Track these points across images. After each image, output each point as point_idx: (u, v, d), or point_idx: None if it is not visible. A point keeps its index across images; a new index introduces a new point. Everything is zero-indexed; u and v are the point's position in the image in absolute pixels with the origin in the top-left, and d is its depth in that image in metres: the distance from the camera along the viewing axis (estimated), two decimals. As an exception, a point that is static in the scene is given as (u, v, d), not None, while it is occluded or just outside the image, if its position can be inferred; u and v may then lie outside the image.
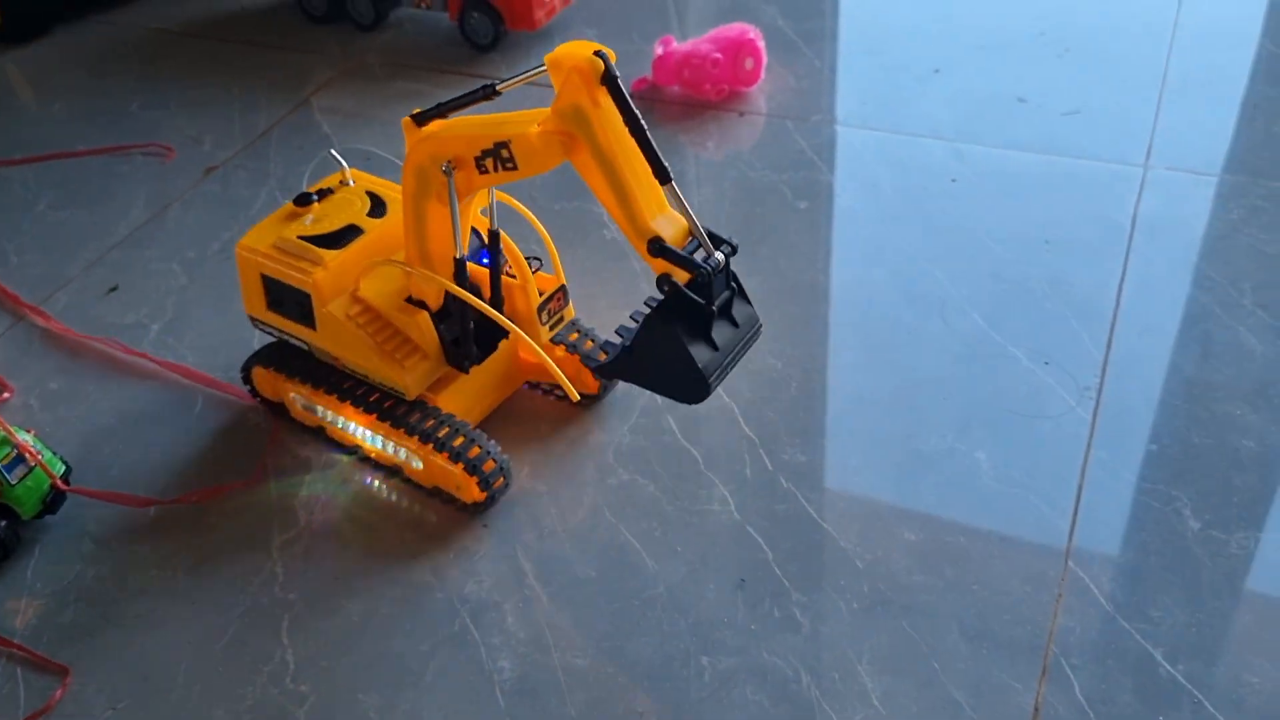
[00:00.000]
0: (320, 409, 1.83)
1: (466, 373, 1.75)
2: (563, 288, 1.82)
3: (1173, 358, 1.91)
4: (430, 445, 1.69)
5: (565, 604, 1.60)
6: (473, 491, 1.69)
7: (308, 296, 1.70)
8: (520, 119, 1.46)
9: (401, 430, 1.71)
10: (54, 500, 1.74)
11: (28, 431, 1.75)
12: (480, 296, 1.64)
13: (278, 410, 1.91)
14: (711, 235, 1.44)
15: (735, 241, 1.46)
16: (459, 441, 1.69)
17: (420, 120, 1.57)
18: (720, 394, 1.90)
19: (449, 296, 1.67)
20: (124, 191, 2.54)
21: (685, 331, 1.43)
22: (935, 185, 2.36)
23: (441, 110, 1.56)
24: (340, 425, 1.82)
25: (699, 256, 1.41)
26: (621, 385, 1.93)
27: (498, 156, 1.48)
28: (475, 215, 1.70)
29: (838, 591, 1.59)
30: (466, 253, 1.64)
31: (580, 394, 1.73)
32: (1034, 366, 1.91)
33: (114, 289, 2.25)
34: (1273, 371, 1.86)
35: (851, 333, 2.02)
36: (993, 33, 2.88)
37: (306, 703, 1.50)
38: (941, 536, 1.65)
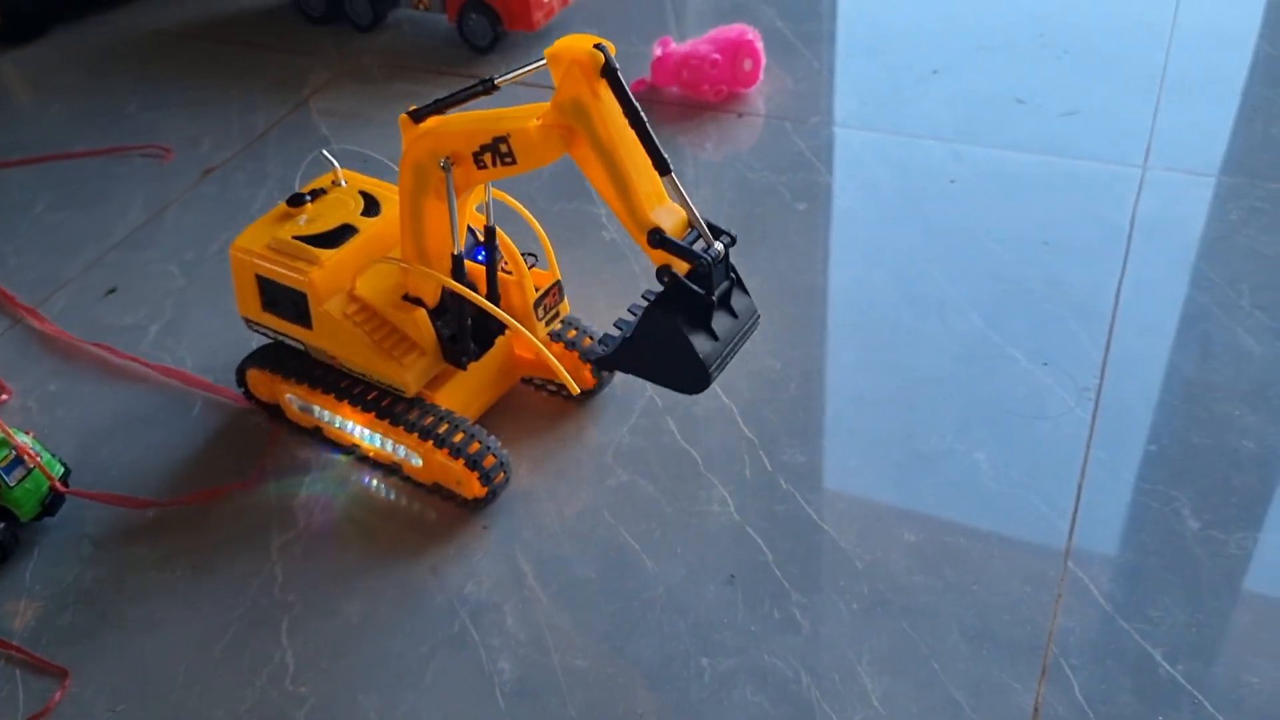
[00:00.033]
0: (317, 409, 1.83)
1: (464, 369, 1.75)
2: (558, 283, 1.82)
3: (1171, 358, 1.91)
4: (430, 442, 1.69)
5: (565, 605, 1.60)
6: (473, 487, 1.70)
7: (304, 296, 1.70)
8: (519, 113, 1.46)
9: (401, 428, 1.71)
10: (53, 502, 1.74)
11: (26, 433, 1.75)
12: (477, 293, 1.64)
13: (273, 412, 1.91)
14: (711, 226, 1.45)
15: (734, 232, 1.46)
16: (459, 437, 1.69)
17: (417, 117, 1.57)
18: (719, 394, 1.90)
19: (446, 293, 1.68)
20: (122, 193, 2.54)
21: (685, 322, 1.43)
22: (934, 186, 2.37)
23: (439, 106, 1.56)
24: (338, 425, 1.82)
25: (699, 247, 1.42)
26: (619, 384, 1.93)
27: (496, 151, 1.49)
28: (470, 213, 1.71)
29: (837, 592, 1.59)
30: (463, 250, 1.64)
31: (580, 389, 1.78)
32: (1033, 367, 1.91)
33: (112, 290, 2.25)
34: (1271, 372, 1.86)
35: (851, 333, 2.02)
36: (991, 34, 2.88)
37: (306, 704, 1.50)
38: (941, 537, 1.65)
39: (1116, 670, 1.47)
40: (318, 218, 1.75)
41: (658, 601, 1.60)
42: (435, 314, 1.71)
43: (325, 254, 1.70)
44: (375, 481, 1.81)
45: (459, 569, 1.66)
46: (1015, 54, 2.79)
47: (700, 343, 1.44)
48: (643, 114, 1.39)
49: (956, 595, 1.57)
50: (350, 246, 1.72)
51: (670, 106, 2.68)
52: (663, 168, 1.40)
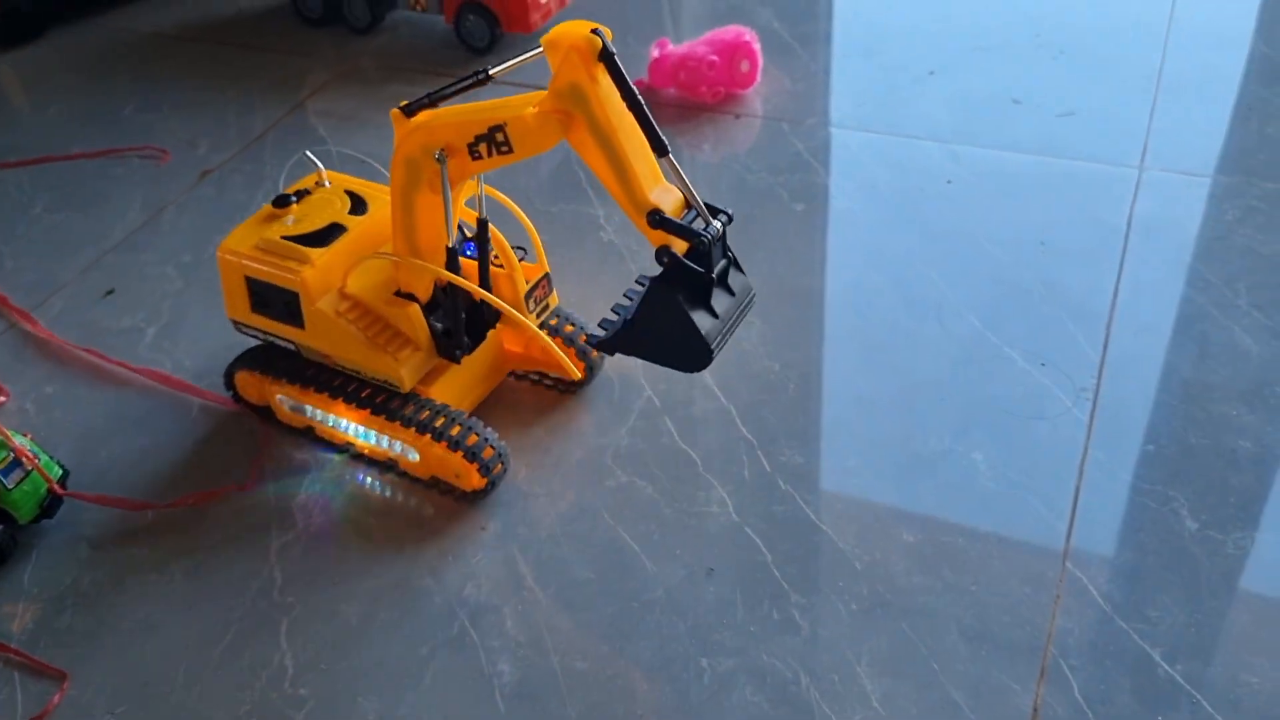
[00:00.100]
0: (310, 409, 1.83)
1: (458, 362, 1.75)
2: (546, 275, 1.84)
3: (1169, 358, 1.91)
4: (427, 436, 1.69)
5: (564, 606, 1.60)
6: (472, 479, 1.70)
7: (296, 295, 1.70)
8: (514, 102, 1.47)
9: (397, 423, 1.71)
10: (51, 504, 1.73)
11: (24, 435, 1.75)
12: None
13: (263, 415, 1.90)
14: (708, 206, 1.46)
15: (730, 211, 1.48)
16: (456, 430, 1.70)
17: (409, 111, 1.57)
18: (718, 395, 1.90)
19: (439, 287, 1.68)
20: (119, 195, 2.54)
21: (686, 300, 1.45)
22: (931, 187, 2.37)
23: (432, 99, 1.57)
24: (330, 424, 1.82)
25: (697, 226, 1.43)
26: (618, 385, 1.93)
27: (492, 141, 1.49)
28: (460, 208, 1.71)
29: (836, 593, 1.59)
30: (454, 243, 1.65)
31: (568, 381, 1.87)
32: (1031, 368, 1.91)
33: (110, 293, 2.25)
34: (1268, 371, 1.87)
35: (849, 335, 2.02)
36: (987, 34, 2.89)
37: (305, 706, 1.50)
38: (940, 538, 1.65)
39: (1115, 670, 1.47)
40: (305, 218, 1.76)
41: (657, 603, 1.60)
42: (428, 309, 1.71)
43: (316, 253, 1.70)
44: (372, 480, 1.81)
45: (458, 570, 1.66)
46: (1011, 55, 2.80)
47: (701, 320, 1.45)
48: (639, 96, 1.40)
49: (955, 596, 1.57)
50: (340, 245, 1.72)
51: (667, 108, 2.68)
52: (660, 149, 1.42)
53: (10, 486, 1.67)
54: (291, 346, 1.79)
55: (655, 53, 2.69)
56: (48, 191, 2.57)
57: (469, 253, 1.76)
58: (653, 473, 1.78)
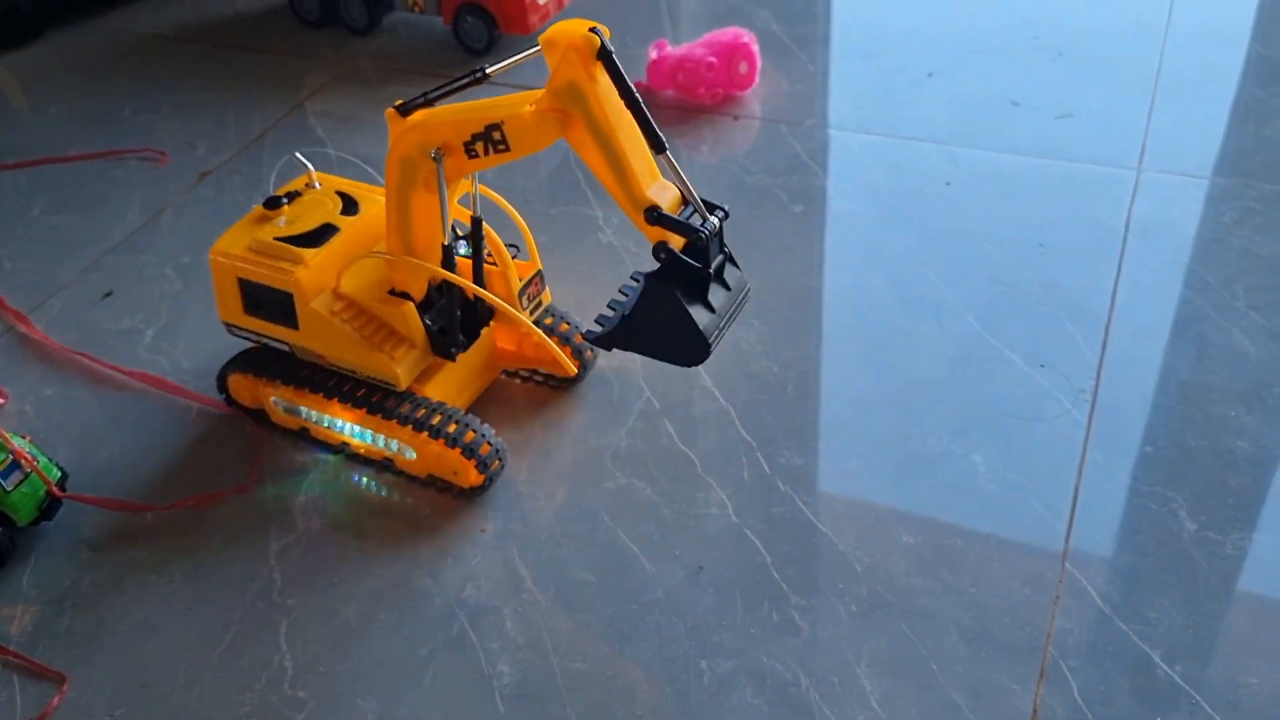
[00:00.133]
0: (304, 410, 1.83)
1: (453, 360, 1.76)
2: (539, 272, 1.85)
3: (1167, 359, 1.92)
4: (425, 433, 1.69)
5: (564, 607, 1.60)
6: (470, 476, 1.70)
7: (290, 296, 1.70)
8: (511, 101, 1.48)
9: (393, 421, 1.71)
10: (50, 506, 1.73)
11: (23, 437, 1.75)
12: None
13: (256, 417, 1.90)
14: (704, 202, 1.47)
15: (726, 207, 1.49)
16: (453, 427, 1.70)
17: (405, 110, 1.57)
18: (717, 396, 1.90)
19: (434, 285, 1.69)
20: (118, 196, 2.53)
21: (683, 295, 1.46)
22: (930, 188, 2.37)
23: (428, 99, 1.57)
24: (325, 424, 1.82)
25: (694, 222, 1.44)
26: (617, 385, 1.93)
27: (489, 139, 1.49)
28: (453, 207, 1.71)
29: (836, 594, 1.59)
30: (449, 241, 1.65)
31: (561, 378, 1.90)
32: (1029, 369, 1.91)
33: (108, 294, 2.24)
34: (1266, 373, 1.87)
35: (847, 336, 2.03)
36: (985, 36, 2.89)
37: (305, 708, 1.50)
38: (939, 539, 1.65)
39: (1114, 671, 1.47)
40: (297, 219, 1.76)
41: (656, 604, 1.60)
42: (422, 307, 1.72)
43: (309, 253, 1.70)
44: (369, 480, 1.81)
45: (457, 572, 1.66)
46: (1010, 56, 2.80)
47: (699, 315, 1.46)
48: (637, 94, 1.40)
49: (955, 597, 1.57)
50: (333, 245, 1.72)
51: (666, 110, 2.68)
52: (658, 146, 1.43)
53: (9, 489, 1.67)
54: (285, 348, 1.79)
55: (653, 54, 2.70)
56: (46, 193, 2.57)
57: (461, 253, 1.76)
58: (652, 474, 1.79)
